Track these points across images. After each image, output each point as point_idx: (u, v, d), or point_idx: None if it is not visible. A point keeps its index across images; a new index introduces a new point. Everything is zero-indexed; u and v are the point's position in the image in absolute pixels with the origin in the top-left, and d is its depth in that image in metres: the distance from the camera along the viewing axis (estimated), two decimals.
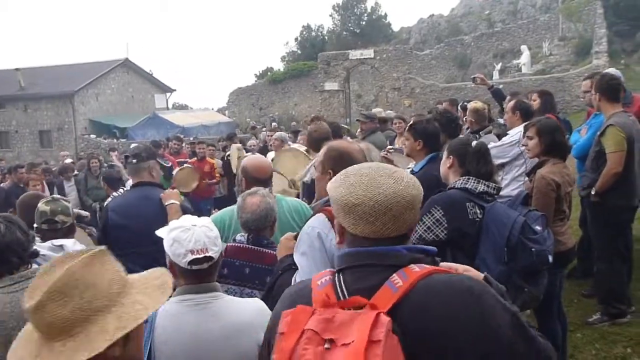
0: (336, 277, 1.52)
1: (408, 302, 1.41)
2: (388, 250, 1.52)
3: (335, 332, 1.33)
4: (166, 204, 3.90)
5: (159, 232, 2.40)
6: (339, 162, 2.76)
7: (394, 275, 1.45)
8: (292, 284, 2.60)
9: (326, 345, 1.32)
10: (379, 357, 1.27)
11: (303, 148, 6.47)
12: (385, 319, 1.33)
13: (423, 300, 1.42)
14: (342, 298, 1.45)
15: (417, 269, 1.47)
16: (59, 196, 3.67)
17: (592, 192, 4.96)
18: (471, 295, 1.45)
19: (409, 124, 4.73)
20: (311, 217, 2.78)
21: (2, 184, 10.08)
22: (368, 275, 1.48)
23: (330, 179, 2.76)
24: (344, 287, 1.48)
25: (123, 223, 3.95)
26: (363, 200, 1.50)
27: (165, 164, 4.54)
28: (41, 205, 3.43)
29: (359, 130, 8.47)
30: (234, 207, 3.62)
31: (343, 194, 1.54)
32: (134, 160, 4.16)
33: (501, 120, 6.96)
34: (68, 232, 3.43)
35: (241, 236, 3.11)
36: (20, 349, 1.47)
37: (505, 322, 1.44)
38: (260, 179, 3.67)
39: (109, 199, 5.27)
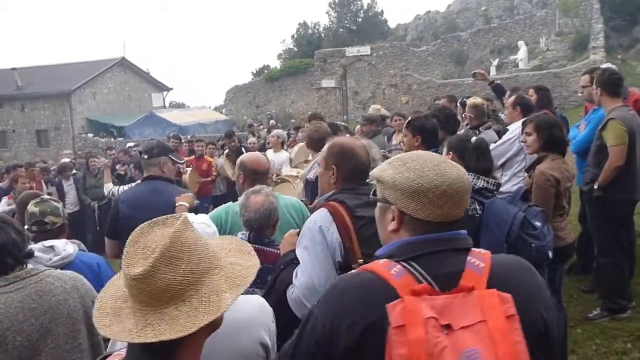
0: (410, 266, 1.49)
1: (490, 282, 1.46)
2: (457, 234, 1.56)
3: (447, 317, 1.35)
4: (177, 204, 3.96)
5: None
6: (341, 157, 2.84)
7: (469, 257, 1.51)
8: (294, 278, 2.65)
9: (445, 332, 1.33)
10: (519, 329, 1.35)
11: (295, 171, 6.50)
12: (508, 296, 1.38)
13: (499, 279, 1.47)
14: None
15: (483, 251, 1.54)
16: (48, 196, 3.62)
17: (595, 187, 4.95)
18: (531, 270, 1.57)
19: (407, 121, 4.73)
20: (314, 211, 2.80)
21: (0, 184, 10.06)
22: (444, 261, 1.50)
23: (333, 174, 2.84)
24: (424, 274, 1.47)
25: (132, 214, 4.08)
26: (436, 184, 1.53)
27: (178, 161, 4.61)
28: (30, 207, 3.39)
29: (357, 128, 8.45)
30: (230, 204, 3.63)
31: (412, 178, 1.55)
32: (146, 156, 4.36)
33: (502, 115, 6.95)
34: (59, 233, 3.39)
35: (242, 234, 3.09)
36: (116, 325, 1.42)
37: (548, 291, 1.56)
38: (259, 171, 3.75)
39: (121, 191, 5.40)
